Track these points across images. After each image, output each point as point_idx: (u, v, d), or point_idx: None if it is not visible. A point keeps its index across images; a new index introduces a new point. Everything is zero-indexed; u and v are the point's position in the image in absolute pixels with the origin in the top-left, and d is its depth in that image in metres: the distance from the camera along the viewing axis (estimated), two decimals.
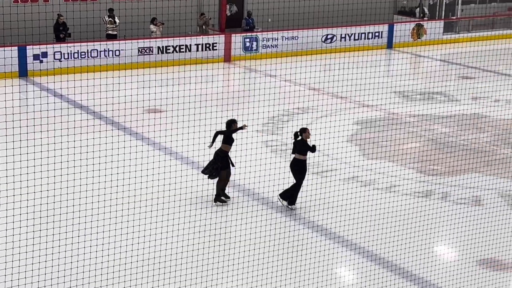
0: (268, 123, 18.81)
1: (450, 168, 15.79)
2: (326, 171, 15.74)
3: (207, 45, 26.76)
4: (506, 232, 12.51)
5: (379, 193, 14.44)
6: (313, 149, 13.21)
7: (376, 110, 20.35)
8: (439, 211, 13.60)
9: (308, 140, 13.26)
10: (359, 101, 20.85)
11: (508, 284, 11.16)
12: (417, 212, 13.42)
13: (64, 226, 10.53)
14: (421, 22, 31.96)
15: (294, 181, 13.33)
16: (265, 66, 24.93)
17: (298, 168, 13.29)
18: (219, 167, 13.15)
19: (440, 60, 29.45)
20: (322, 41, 28.92)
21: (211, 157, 13.30)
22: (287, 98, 20.55)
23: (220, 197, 13.38)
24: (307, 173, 13.43)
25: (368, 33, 30.17)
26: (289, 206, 13.39)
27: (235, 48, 27.27)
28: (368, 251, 11.88)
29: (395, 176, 15.28)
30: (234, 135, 13.33)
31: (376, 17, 28.69)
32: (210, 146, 13.28)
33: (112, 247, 10.98)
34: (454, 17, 34.25)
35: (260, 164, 13.95)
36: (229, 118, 13.77)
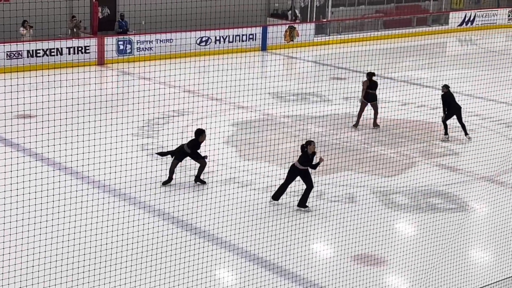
0: (143, 126, 18.59)
1: (324, 166, 16.11)
2: (204, 173, 15.70)
3: (79, 48, 26.15)
4: (379, 228, 12.90)
5: (257, 193, 14.55)
6: (314, 166, 13.82)
7: (251, 111, 20.52)
8: (315, 209, 13.85)
9: (311, 153, 13.76)
10: (234, 103, 20.96)
11: (381, 278, 11.50)
12: (293, 210, 13.62)
13: None
14: (293, 25, 32.55)
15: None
16: (139, 69, 24.63)
17: (292, 175, 13.88)
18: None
19: (313, 61, 30.10)
20: (197, 43, 28.90)
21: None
22: (162, 101, 20.36)
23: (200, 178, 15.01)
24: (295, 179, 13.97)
25: (242, 35, 30.42)
26: (302, 209, 13.87)
27: (107, 51, 26.78)
28: (247, 251, 11.92)
29: (272, 176, 15.44)
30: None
31: (250, 20, 28.95)
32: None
33: None
34: (325, 20, 35.10)
35: (136, 168, 13.75)
36: (198, 127, 15.12)
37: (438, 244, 12.49)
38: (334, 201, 14.48)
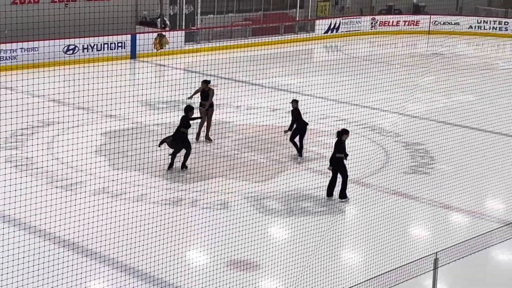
0: (6, 137, 17.90)
1: (196, 174, 16.11)
2: (72, 183, 15.32)
3: None
4: (252, 233, 12.99)
5: (128, 202, 14.33)
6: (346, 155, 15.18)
7: (120, 120, 20.21)
8: (188, 216, 13.80)
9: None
10: (101, 112, 20.56)
11: (255, 282, 11.58)
12: (167, 219, 13.48)
13: None
14: (163, 32, 32.38)
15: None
16: (1, 78, 23.70)
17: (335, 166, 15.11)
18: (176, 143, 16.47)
19: (183, 69, 30.04)
20: (63, 51, 28.18)
21: None
22: (26, 111, 19.66)
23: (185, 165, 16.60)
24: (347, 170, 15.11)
25: (111, 43, 29.97)
26: (342, 200, 15.17)
27: None
28: (120, 262, 11.70)
29: (143, 185, 15.27)
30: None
31: (118, 27, 28.53)
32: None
33: None
34: (194, 27, 35.12)
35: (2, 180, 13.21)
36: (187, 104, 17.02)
37: (309, 247, 12.74)
38: (207, 207, 14.48)
